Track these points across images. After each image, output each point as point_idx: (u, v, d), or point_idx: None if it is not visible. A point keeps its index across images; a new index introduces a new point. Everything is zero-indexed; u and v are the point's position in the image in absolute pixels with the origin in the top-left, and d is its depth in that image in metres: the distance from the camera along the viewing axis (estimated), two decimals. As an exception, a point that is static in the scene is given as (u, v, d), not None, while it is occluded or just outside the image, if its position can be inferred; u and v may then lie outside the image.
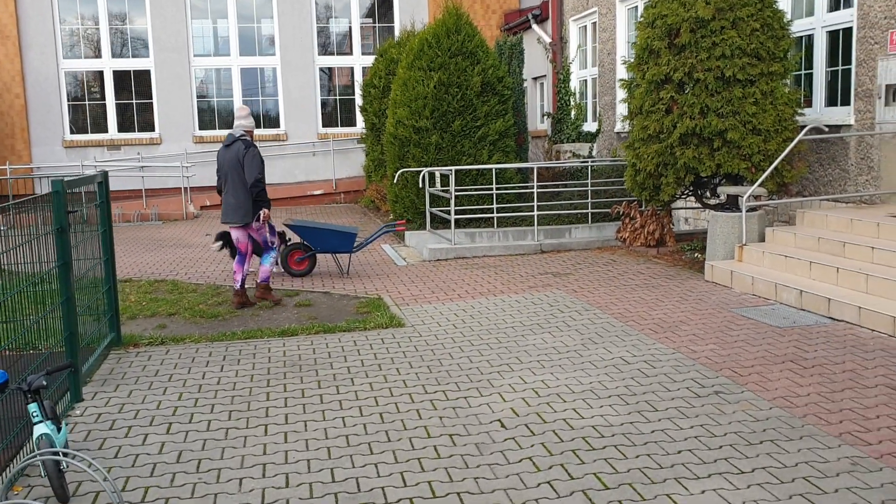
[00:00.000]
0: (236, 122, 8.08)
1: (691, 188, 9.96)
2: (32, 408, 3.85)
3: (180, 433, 4.69)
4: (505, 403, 5.01)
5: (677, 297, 7.80)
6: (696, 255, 9.93)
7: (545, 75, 18.91)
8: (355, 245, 9.85)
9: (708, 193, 9.99)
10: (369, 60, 18.91)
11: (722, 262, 8.59)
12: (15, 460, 4.18)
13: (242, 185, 7.86)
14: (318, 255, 10.62)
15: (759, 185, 8.72)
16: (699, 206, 10.48)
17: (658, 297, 7.88)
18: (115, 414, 5.03)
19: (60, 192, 4.97)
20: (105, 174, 6.34)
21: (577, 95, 17.02)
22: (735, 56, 8.68)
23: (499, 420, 4.72)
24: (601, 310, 7.40)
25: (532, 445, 4.33)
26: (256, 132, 19.72)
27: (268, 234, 8.23)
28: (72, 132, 19.09)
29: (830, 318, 6.75)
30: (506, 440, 4.42)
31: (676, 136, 9.02)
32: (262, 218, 7.97)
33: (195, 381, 5.68)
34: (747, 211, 8.74)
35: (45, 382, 3.88)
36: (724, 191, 9.23)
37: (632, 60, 9.74)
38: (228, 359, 6.20)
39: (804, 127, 8.89)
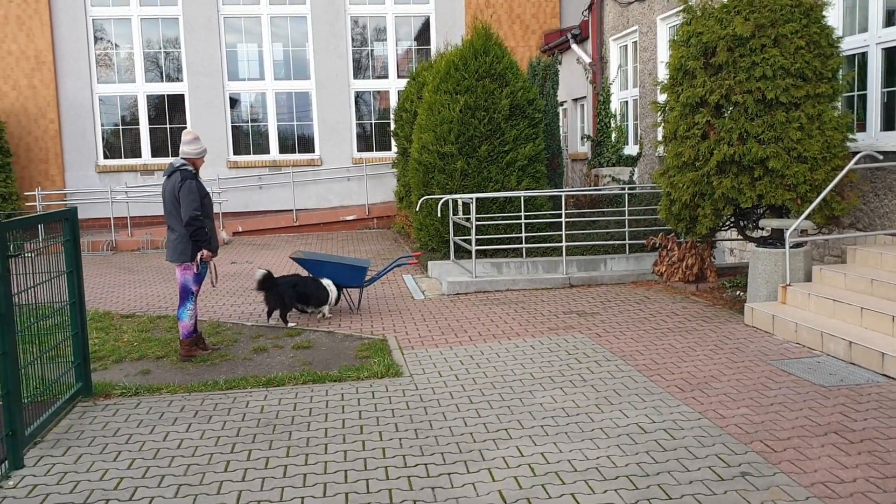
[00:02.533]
0: (180, 149, 7.22)
1: (732, 219, 9.14)
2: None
3: (114, 514, 4.10)
4: (493, 484, 4.30)
5: (712, 345, 6.99)
6: (737, 293, 9.07)
7: (585, 96, 18.18)
8: (366, 279, 9.25)
9: (751, 225, 9.15)
10: (405, 84, 18.46)
11: (763, 304, 7.74)
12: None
13: (179, 220, 7.04)
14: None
15: (806, 219, 7.87)
16: (741, 238, 9.63)
17: (691, 344, 7.07)
18: (52, 486, 4.46)
19: (-4, 235, 4.46)
20: (73, 210, 5.84)
21: (618, 117, 16.26)
22: (777, 77, 7.87)
23: (480, 507, 4.03)
24: (624, 360, 6.63)
25: (512, 545, 3.62)
26: (292, 157, 19.42)
27: (191, 282, 7.17)
28: (105, 157, 19.00)
29: (885, 375, 5.88)
30: (482, 536, 3.72)
31: (713, 163, 8.23)
32: (200, 259, 7.09)
33: (155, 443, 5.10)
34: (792, 247, 7.90)
35: None
36: (767, 224, 8.38)
37: (665, 81, 8.99)
38: (200, 415, 5.62)
39: (856, 154, 8.02)
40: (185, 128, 19.04)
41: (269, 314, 8.59)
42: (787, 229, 7.88)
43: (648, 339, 7.28)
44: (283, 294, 8.43)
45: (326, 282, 8.74)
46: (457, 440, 4.97)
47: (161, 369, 6.94)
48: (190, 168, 7.18)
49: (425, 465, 4.60)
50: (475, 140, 11.97)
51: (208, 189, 7.50)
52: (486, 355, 6.97)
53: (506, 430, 5.12)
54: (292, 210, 18.87)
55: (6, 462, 4.66)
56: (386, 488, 4.30)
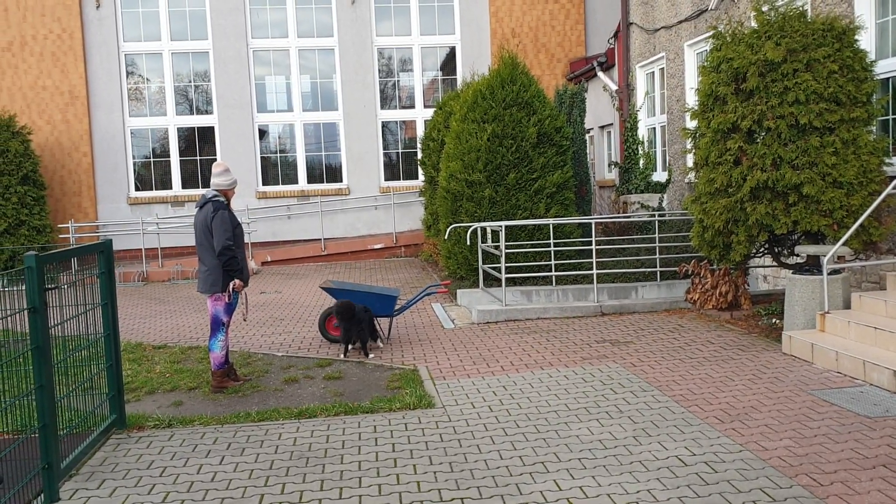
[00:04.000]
0: (211, 181, 7.27)
1: (766, 245, 9.01)
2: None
3: (149, 549, 4.06)
4: (530, 518, 4.22)
5: (750, 375, 6.85)
6: (773, 320, 8.92)
7: (612, 123, 18.17)
8: (396, 308, 9.21)
9: (786, 252, 9.01)
10: (430, 114, 18.58)
11: (802, 332, 7.59)
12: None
13: (211, 251, 7.07)
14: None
15: (843, 245, 7.74)
16: (776, 264, 9.48)
17: (728, 373, 6.94)
18: (87, 520, 4.45)
19: (34, 267, 4.48)
20: (108, 243, 5.89)
21: (646, 144, 16.20)
22: (811, 101, 7.79)
23: (519, 543, 3.94)
24: (661, 390, 6.52)
25: (553, 584, 3.53)
26: (320, 187, 19.54)
27: (222, 313, 7.16)
28: (137, 189, 19.25)
29: (933, 405, 5.72)
30: (523, 574, 3.63)
31: (747, 189, 8.13)
32: (232, 288, 7.07)
33: (188, 476, 5.07)
34: (830, 273, 7.76)
35: None
36: (803, 251, 8.25)
37: (695, 107, 8.93)
38: (233, 447, 5.58)
39: (894, 178, 7.89)
40: (215, 159, 19.25)
41: (352, 345, 8.42)
42: (825, 256, 7.75)
43: (685, 369, 7.16)
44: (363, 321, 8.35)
45: None
46: (492, 473, 4.89)
47: (193, 401, 6.93)
48: (221, 199, 7.22)
49: (461, 499, 4.52)
50: (503, 168, 11.96)
51: (239, 220, 7.53)
52: (519, 385, 6.88)
53: (542, 463, 5.03)
54: (321, 239, 18.95)
55: (42, 496, 4.65)
56: (422, 523, 4.23)
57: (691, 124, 11.68)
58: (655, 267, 11.40)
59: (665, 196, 14.94)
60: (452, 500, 4.51)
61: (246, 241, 17.56)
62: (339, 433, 5.80)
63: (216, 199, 7.19)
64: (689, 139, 9.22)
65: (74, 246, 5.30)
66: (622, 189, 16.58)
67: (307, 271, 16.91)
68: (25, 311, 4.50)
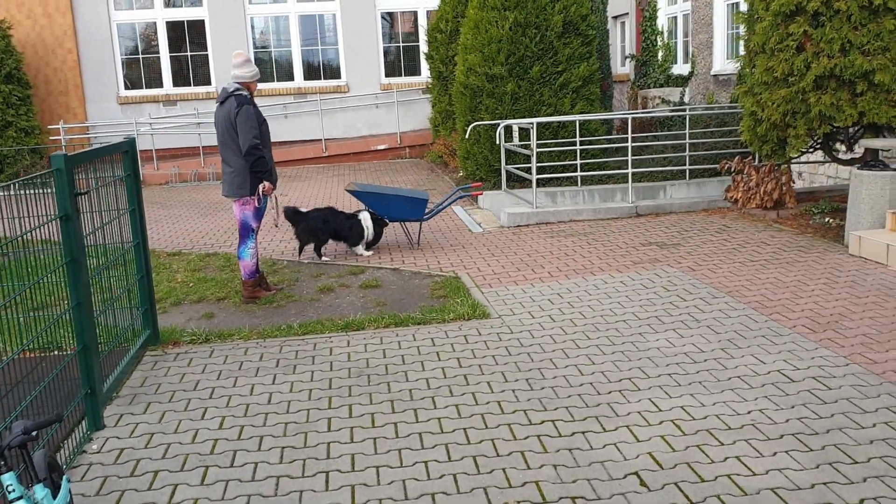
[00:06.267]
0: (231, 73, 6.49)
1: (820, 141, 8.45)
2: (6, 479, 2.79)
3: (218, 483, 3.61)
4: (639, 444, 3.79)
5: (823, 278, 6.41)
6: (826, 219, 8.44)
7: (627, 13, 17.24)
8: (426, 212, 8.66)
9: (843, 147, 8.46)
10: (434, 3, 17.53)
11: (871, 232, 7.13)
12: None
13: (236, 151, 6.38)
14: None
15: (916, 138, 7.20)
16: (821, 160, 8.96)
17: (798, 277, 6.50)
18: (141, 450, 3.99)
19: (63, 169, 3.87)
20: (132, 142, 5.25)
21: (665, 34, 15.38)
22: (891, -21, 7.08)
23: (636, 474, 3.52)
24: (732, 296, 6.07)
25: (693, 522, 3.13)
26: (317, 84, 18.59)
27: (251, 218, 6.52)
28: (126, 88, 18.24)
29: None
30: (653, 510, 3.22)
31: (810, 78, 7.51)
32: (261, 192, 6.44)
33: (242, 398, 4.61)
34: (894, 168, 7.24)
35: (20, 441, 2.81)
36: (867, 144, 7.71)
37: (753, -11, 8.19)
38: (283, 365, 5.12)
39: (975, 65, 7.28)
40: (206, 56, 18.22)
41: (301, 250, 8.19)
42: (892, 149, 7.21)
43: (749, 273, 6.71)
44: (315, 229, 7.98)
45: (364, 216, 8.16)
46: (577, 391, 4.46)
47: (225, 312, 6.44)
48: (245, 93, 6.53)
49: (552, 421, 4.09)
50: (526, 60, 11.19)
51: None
52: (575, 293, 6.42)
53: (629, 378, 4.59)
54: (321, 140, 18.16)
55: (84, 422, 4.19)
56: (517, 450, 3.79)
57: (722, 10, 10.88)
58: (684, 165, 10.84)
59: (687, 90, 14.25)
60: (542, 422, 4.09)
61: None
62: (395, 347, 5.34)
63: (239, 92, 6.49)
64: (743, 23, 8.51)
65: (98, 147, 4.67)
66: (640, 83, 15.85)
67: (309, 173, 16.22)
68: (57, 220, 3.91)
